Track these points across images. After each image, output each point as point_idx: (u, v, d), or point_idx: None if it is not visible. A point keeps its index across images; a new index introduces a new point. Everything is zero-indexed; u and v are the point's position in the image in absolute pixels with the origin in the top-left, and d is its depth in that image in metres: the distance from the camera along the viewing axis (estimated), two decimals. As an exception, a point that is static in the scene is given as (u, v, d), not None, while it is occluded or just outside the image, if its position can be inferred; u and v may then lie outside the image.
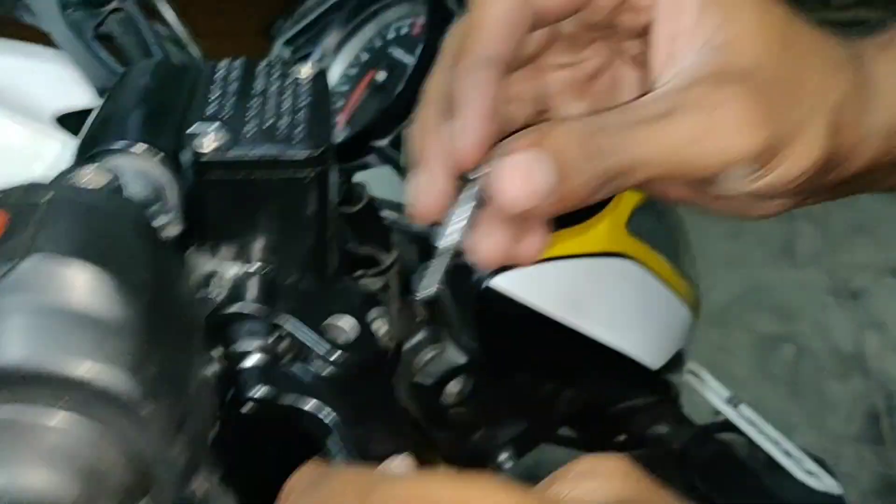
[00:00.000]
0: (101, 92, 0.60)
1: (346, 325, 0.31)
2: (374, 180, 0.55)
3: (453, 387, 0.55)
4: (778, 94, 0.30)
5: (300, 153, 0.29)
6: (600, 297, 0.50)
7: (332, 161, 0.32)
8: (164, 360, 0.23)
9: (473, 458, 0.62)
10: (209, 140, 0.29)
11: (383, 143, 0.53)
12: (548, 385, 0.59)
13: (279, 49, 0.67)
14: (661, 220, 0.57)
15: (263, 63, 0.33)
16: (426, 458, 0.61)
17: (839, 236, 1.99)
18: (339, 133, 0.58)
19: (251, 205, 0.30)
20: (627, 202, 0.53)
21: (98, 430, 0.22)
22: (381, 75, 0.56)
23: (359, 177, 0.55)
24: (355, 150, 0.54)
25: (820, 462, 0.93)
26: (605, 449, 0.74)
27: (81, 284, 0.22)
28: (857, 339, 1.81)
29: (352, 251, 0.48)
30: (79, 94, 0.60)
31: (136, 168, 0.32)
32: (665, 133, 0.29)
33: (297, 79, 0.33)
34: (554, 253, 0.49)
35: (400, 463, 0.28)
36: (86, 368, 0.22)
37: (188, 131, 0.30)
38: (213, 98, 0.31)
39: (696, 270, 0.63)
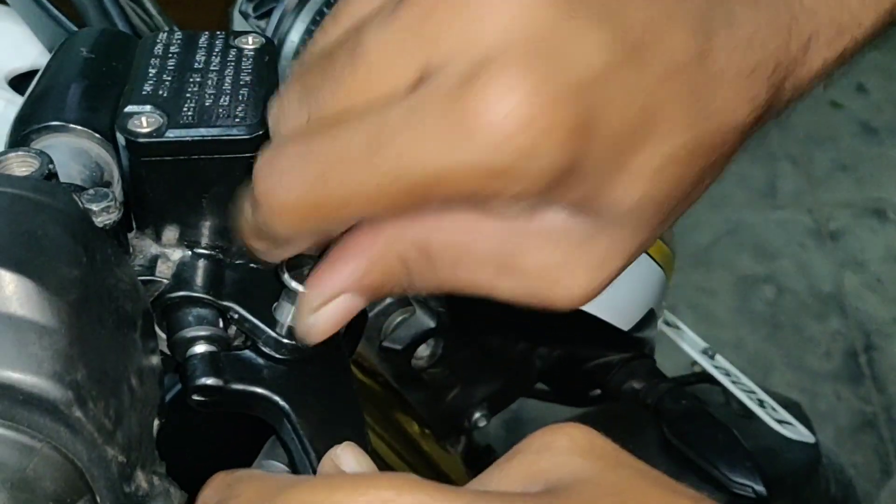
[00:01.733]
0: (52, 51, 0.57)
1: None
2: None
3: (423, 350, 0.54)
4: None
5: (241, 133, 0.28)
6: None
7: None
8: (96, 359, 0.22)
9: (448, 417, 0.62)
10: (144, 121, 0.28)
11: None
12: (520, 344, 0.59)
13: (241, 4, 0.64)
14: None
15: (205, 35, 0.31)
16: (400, 418, 0.61)
17: (820, 175, 1.99)
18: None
19: (193, 187, 0.28)
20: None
21: (25, 437, 0.21)
22: (343, 32, 0.54)
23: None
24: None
25: (796, 406, 0.94)
26: (581, 403, 0.74)
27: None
28: (836, 279, 1.82)
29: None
30: (29, 54, 0.58)
31: (75, 147, 0.31)
32: None
33: (241, 50, 0.31)
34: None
35: (342, 452, 0.27)
36: (7, 375, 0.21)
37: (124, 110, 0.28)
38: (151, 74, 0.30)
39: (671, 230, 0.62)
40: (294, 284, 0.28)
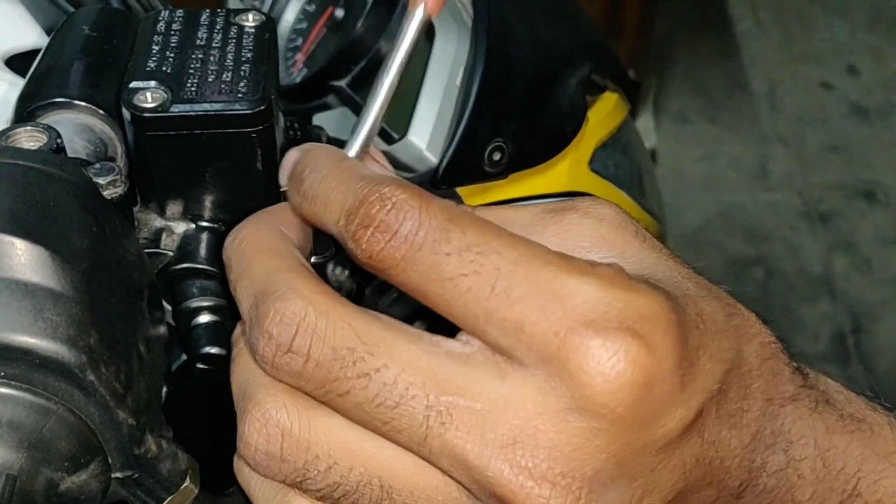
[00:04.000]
0: (48, 31, 0.58)
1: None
2: (333, 122, 0.54)
3: (419, 326, 0.55)
4: None
5: (244, 108, 0.28)
6: (561, 237, 0.50)
7: (279, 114, 0.31)
8: (107, 325, 0.23)
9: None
10: (149, 96, 0.28)
11: (342, 83, 0.52)
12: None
13: (236, -18, 0.65)
14: (625, 157, 0.57)
15: (207, 13, 0.32)
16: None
17: (811, 157, 2.00)
18: (297, 73, 0.56)
19: (196, 162, 0.29)
20: (589, 140, 0.52)
21: (41, 399, 0.22)
22: (339, 12, 0.55)
23: (318, 119, 0.54)
24: (314, 91, 0.53)
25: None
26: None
27: (14, 258, 0.21)
28: (826, 261, 1.83)
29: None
30: (26, 34, 0.59)
31: (79, 123, 0.32)
32: None
33: (242, 28, 0.32)
34: (514, 194, 0.48)
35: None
36: (24, 340, 0.21)
37: (129, 86, 0.29)
38: (154, 51, 0.31)
39: (662, 205, 0.63)
40: None
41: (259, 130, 0.29)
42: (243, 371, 0.26)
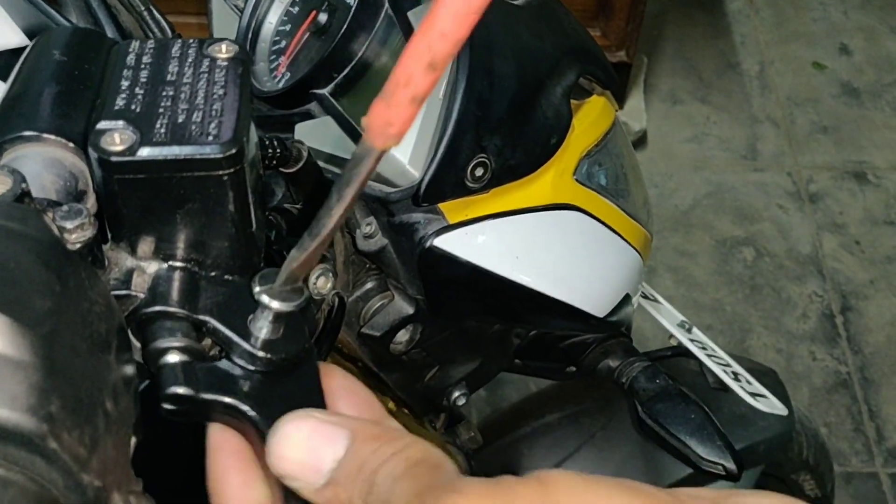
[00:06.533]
0: (26, 31, 0.57)
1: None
2: (316, 132, 0.53)
3: (402, 335, 0.55)
4: None
5: (215, 152, 0.28)
6: (545, 252, 0.49)
7: (254, 148, 0.30)
8: (70, 389, 0.23)
9: (427, 397, 0.63)
10: (117, 138, 0.28)
11: (325, 91, 0.51)
12: (497, 325, 0.60)
13: (218, -19, 0.64)
14: (611, 163, 0.56)
15: (178, 44, 0.31)
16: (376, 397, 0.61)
17: (801, 138, 1.99)
18: (280, 78, 0.56)
19: (166, 203, 0.29)
20: (574, 150, 0.52)
21: (0, 470, 0.22)
22: (322, 16, 0.54)
23: (299, 128, 0.53)
24: (296, 98, 0.53)
25: (771, 374, 0.95)
26: (558, 378, 0.75)
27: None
28: (814, 241, 1.84)
29: (293, 210, 0.47)
30: (3, 33, 0.58)
31: (48, 157, 0.31)
32: None
33: (214, 60, 0.31)
34: (496, 208, 0.48)
35: None
36: (-16, 412, 0.21)
37: (96, 127, 0.28)
38: (123, 86, 0.30)
39: (649, 206, 0.62)
40: (266, 299, 0.28)
41: (230, 173, 0.28)
42: None
